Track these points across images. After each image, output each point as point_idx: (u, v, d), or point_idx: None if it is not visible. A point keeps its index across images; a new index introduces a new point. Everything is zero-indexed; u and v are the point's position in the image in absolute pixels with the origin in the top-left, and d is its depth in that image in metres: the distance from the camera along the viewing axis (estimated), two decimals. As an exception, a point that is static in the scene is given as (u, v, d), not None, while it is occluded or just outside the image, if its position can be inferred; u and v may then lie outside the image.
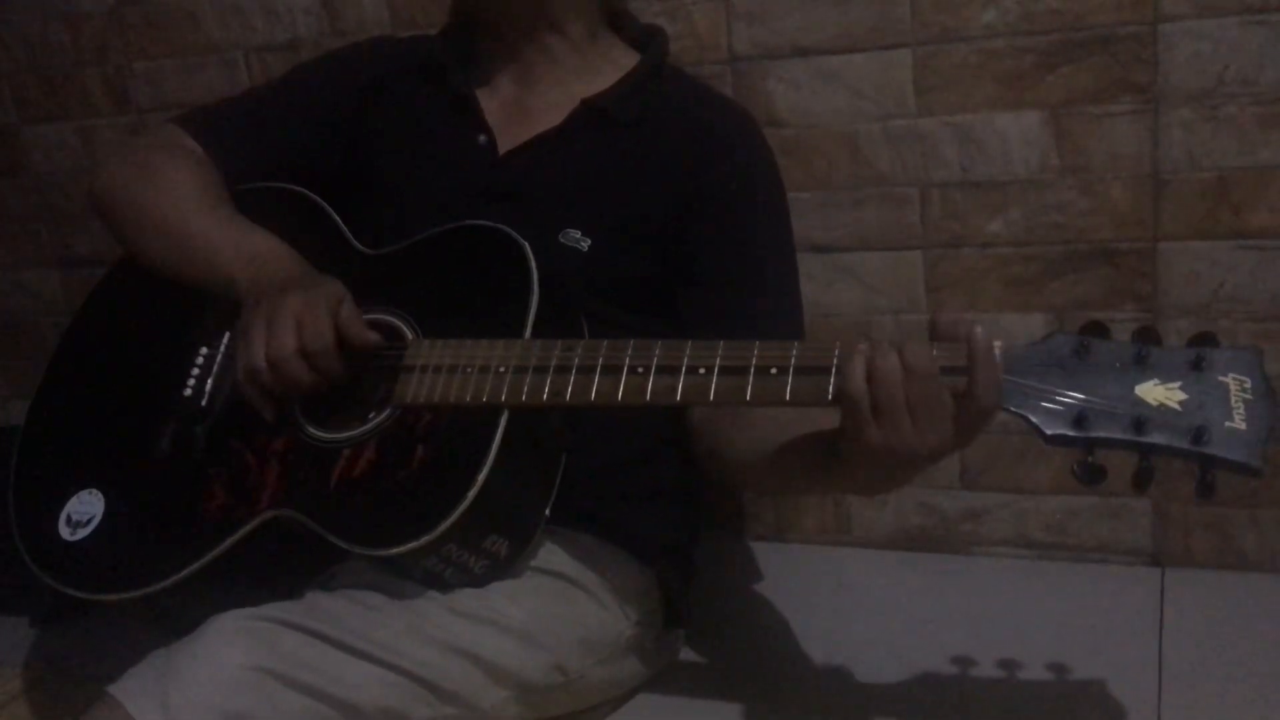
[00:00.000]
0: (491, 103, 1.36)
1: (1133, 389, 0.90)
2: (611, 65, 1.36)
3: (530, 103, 1.35)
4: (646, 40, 1.40)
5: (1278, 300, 1.47)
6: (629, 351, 1.07)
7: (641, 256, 1.29)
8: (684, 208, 1.29)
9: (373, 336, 1.18)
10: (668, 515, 1.38)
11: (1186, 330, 1.48)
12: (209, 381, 1.28)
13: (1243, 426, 0.88)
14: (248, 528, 1.15)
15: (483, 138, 1.34)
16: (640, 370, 1.06)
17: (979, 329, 0.93)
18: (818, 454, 1.04)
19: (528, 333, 1.14)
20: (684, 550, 1.42)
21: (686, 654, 1.46)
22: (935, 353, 0.94)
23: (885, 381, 0.93)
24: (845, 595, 1.61)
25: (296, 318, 1.13)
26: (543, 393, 1.09)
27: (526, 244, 1.18)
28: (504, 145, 1.33)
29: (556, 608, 1.23)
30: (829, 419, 1.00)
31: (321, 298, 1.16)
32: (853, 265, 1.65)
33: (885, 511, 1.73)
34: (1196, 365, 0.90)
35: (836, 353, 0.99)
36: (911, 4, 1.54)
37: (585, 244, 1.27)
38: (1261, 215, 1.45)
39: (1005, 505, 1.67)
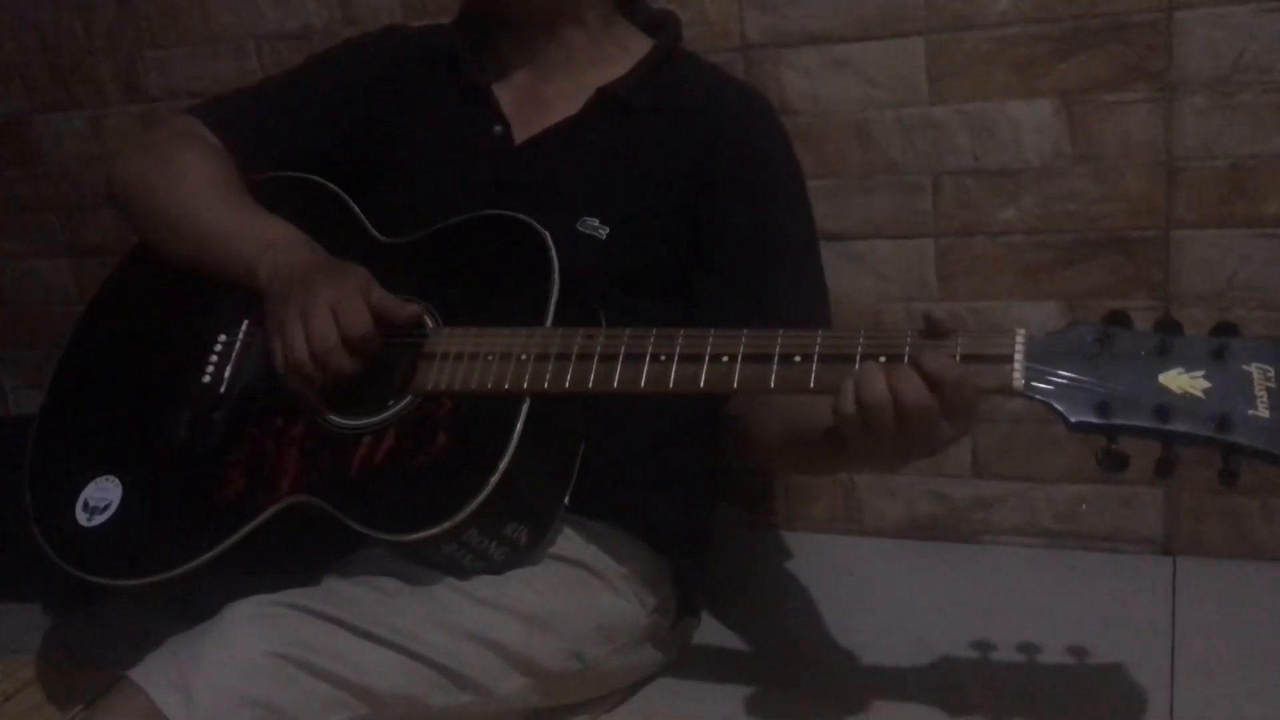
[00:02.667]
0: (506, 93, 1.36)
1: (1156, 377, 0.90)
2: (625, 52, 1.36)
3: (545, 92, 1.35)
4: (659, 25, 1.40)
5: (1292, 289, 1.47)
6: (652, 339, 1.07)
7: (660, 243, 1.30)
8: (701, 193, 1.29)
9: (414, 308, 1.19)
10: (683, 503, 1.38)
11: (1200, 319, 1.48)
12: (228, 368, 1.28)
13: (1266, 415, 0.87)
14: (267, 513, 1.16)
15: (498, 128, 1.34)
16: (663, 358, 1.06)
17: (950, 363, 0.93)
18: (830, 440, 1.04)
19: (549, 321, 1.14)
20: (699, 538, 1.42)
21: (699, 641, 1.47)
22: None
23: (876, 409, 0.94)
24: (855, 584, 1.62)
25: (332, 307, 1.14)
26: (564, 381, 1.09)
27: (547, 233, 1.18)
28: (520, 135, 1.33)
29: (573, 595, 1.24)
30: None
31: (351, 283, 1.16)
32: (864, 253, 1.65)
33: (896, 500, 1.73)
34: (1219, 354, 0.90)
35: (861, 340, 0.99)
36: (924, -9, 1.54)
37: (604, 232, 1.27)
38: (1276, 203, 1.45)
39: (1016, 494, 1.67)
